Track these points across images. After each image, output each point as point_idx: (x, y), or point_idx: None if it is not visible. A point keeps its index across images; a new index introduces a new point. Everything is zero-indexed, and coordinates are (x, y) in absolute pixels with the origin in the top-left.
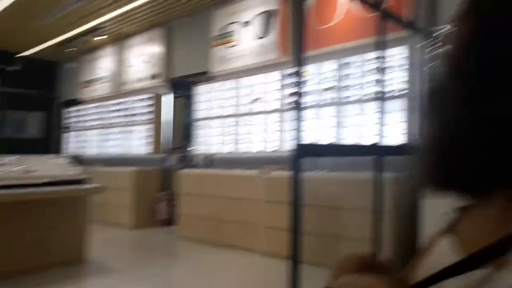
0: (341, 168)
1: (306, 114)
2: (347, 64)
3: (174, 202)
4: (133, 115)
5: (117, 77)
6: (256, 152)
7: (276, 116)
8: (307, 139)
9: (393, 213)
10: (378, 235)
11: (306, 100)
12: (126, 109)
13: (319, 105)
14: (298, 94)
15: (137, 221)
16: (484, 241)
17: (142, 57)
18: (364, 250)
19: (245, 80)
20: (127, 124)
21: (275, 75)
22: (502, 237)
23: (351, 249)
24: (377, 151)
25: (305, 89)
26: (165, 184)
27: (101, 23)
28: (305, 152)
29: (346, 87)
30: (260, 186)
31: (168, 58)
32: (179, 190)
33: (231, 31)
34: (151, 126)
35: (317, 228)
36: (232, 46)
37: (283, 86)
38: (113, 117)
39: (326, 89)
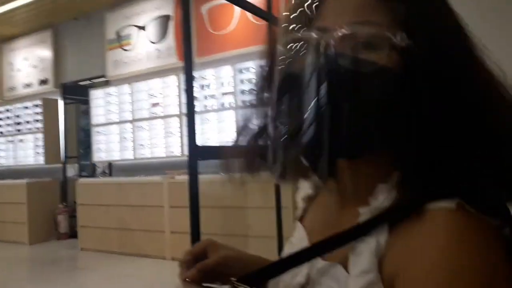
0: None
1: (209, 117)
2: (246, 69)
3: (74, 213)
4: (21, 123)
5: (1, 83)
6: (158, 157)
7: (176, 120)
8: (208, 143)
9: (292, 210)
10: (280, 231)
11: (207, 103)
12: (14, 116)
13: (219, 109)
14: (190, 96)
15: (35, 236)
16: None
17: (29, 61)
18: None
19: (143, 85)
20: (16, 133)
21: (174, 79)
22: (345, 230)
23: (257, 247)
24: None
25: (205, 92)
26: (63, 195)
27: None
28: (201, 153)
29: (244, 91)
30: (164, 192)
31: (58, 62)
32: (79, 200)
33: (127, 35)
34: (41, 134)
35: (225, 229)
36: (129, 50)
37: (182, 91)
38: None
39: (225, 93)
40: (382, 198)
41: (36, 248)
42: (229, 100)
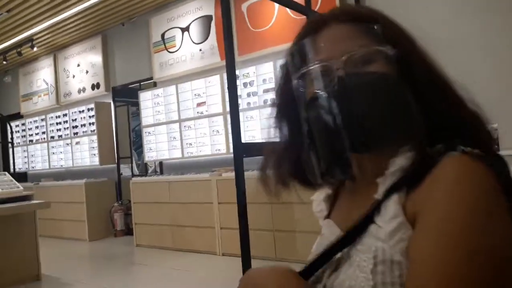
0: None
1: (252, 114)
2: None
3: (129, 211)
4: (77, 126)
5: (58, 89)
6: (205, 155)
7: (221, 118)
8: (253, 139)
9: None
10: None
11: (250, 101)
12: (70, 120)
13: (262, 106)
14: (234, 94)
15: (94, 234)
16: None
17: (82, 67)
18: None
19: (188, 85)
20: (72, 137)
21: (217, 78)
22: (362, 216)
23: (305, 242)
24: None
25: (248, 90)
26: (118, 194)
27: (34, 33)
28: (245, 150)
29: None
30: (212, 189)
31: (108, 66)
32: (133, 199)
33: (171, 37)
34: (95, 136)
35: (273, 224)
36: (173, 51)
37: (225, 89)
38: (57, 129)
39: (267, 90)
40: (396, 163)
41: (95, 244)
42: (271, 96)
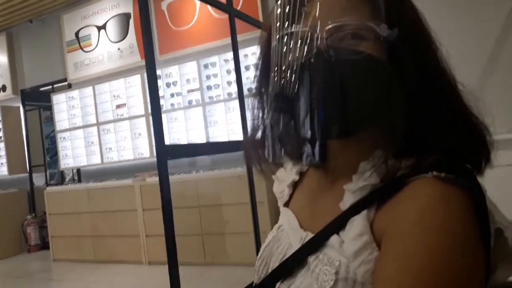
0: (221, 165)
1: (177, 116)
2: (213, 64)
3: (45, 224)
4: None
5: None
6: (127, 160)
7: (143, 120)
8: (178, 141)
9: (267, 204)
10: (257, 227)
11: (174, 101)
12: None
13: (187, 106)
14: (154, 94)
15: (4, 251)
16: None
17: None
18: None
19: (107, 86)
20: None
21: (138, 78)
22: (338, 216)
23: (235, 243)
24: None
25: (171, 90)
26: (32, 206)
27: None
28: (170, 152)
29: (210, 87)
30: (136, 195)
31: (15, 67)
32: (48, 210)
33: (87, 35)
34: (2, 144)
35: (202, 228)
36: (89, 51)
37: (147, 90)
38: None
39: (191, 90)
40: (366, 175)
41: (6, 262)
42: (196, 97)
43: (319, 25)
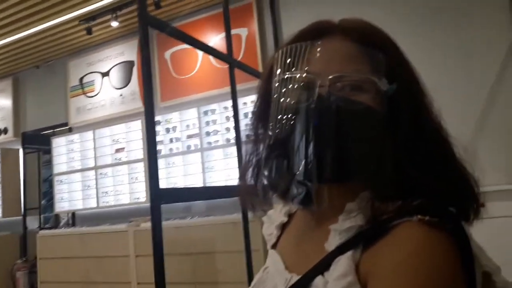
0: (216, 211)
1: (175, 161)
2: (212, 111)
3: (35, 269)
4: None
5: None
6: (123, 204)
7: (141, 165)
8: (174, 185)
9: (262, 252)
10: (251, 276)
11: (173, 146)
12: None
13: (185, 152)
14: (151, 138)
15: None
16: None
17: None
18: None
19: (107, 130)
20: None
21: (138, 124)
22: (325, 257)
23: None
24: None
25: (171, 135)
26: (23, 249)
27: None
28: (164, 196)
29: (209, 133)
30: (129, 241)
31: (18, 110)
32: (39, 254)
33: (91, 81)
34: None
35: (194, 276)
36: (92, 96)
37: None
38: None
39: (190, 136)
40: (351, 216)
41: None
42: (194, 142)
43: (322, 72)
